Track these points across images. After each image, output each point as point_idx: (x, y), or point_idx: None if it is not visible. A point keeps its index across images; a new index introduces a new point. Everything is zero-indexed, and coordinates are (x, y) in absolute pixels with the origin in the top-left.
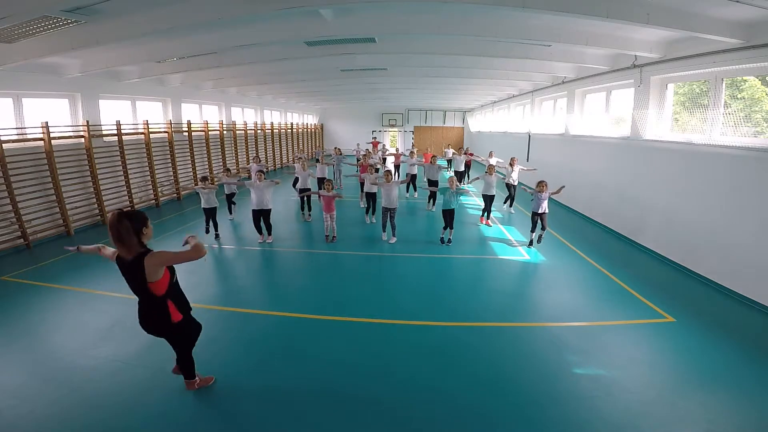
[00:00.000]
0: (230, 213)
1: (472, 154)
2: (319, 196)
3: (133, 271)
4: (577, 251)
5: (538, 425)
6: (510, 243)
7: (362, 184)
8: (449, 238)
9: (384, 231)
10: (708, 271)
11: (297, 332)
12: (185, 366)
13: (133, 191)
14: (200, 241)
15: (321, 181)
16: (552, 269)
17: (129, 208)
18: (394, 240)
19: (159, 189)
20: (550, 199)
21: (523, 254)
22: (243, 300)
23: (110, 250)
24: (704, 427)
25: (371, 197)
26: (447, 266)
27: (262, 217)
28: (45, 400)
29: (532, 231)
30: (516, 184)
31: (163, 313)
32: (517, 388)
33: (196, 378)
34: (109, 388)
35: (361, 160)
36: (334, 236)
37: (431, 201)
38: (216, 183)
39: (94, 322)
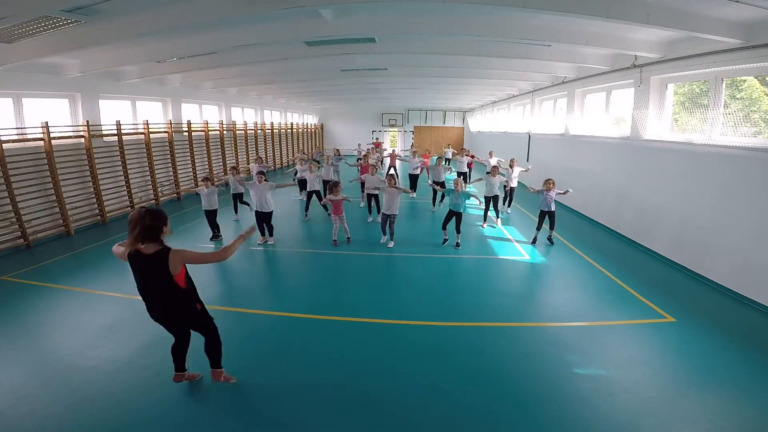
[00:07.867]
0: (235, 213)
1: (473, 156)
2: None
3: (154, 265)
4: (577, 251)
5: (538, 425)
6: (510, 243)
7: (363, 184)
8: (457, 242)
9: (384, 234)
10: (708, 271)
11: (298, 332)
12: (214, 351)
13: (133, 191)
14: (230, 248)
15: (326, 184)
16: (552, 269)
17: (154, 205)
18: (391, 244)
19: (159, 189)
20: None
21: (523, 254)
22: (244, 300)
23: (120, 249)
24: (704, 427)
25: (373, 198)
26: (448, 266)
27: (263, 219)
28: (45, 400)
29: (538, 229)
30: (515, 185)
31: (188, 303)
32: (517, 388)
33: (222, 368)
34: (109, 388)
35: (362, 161)
36: (347, 237)
37: (434, 201)
38: (224, 178)
39: (94, 322)
